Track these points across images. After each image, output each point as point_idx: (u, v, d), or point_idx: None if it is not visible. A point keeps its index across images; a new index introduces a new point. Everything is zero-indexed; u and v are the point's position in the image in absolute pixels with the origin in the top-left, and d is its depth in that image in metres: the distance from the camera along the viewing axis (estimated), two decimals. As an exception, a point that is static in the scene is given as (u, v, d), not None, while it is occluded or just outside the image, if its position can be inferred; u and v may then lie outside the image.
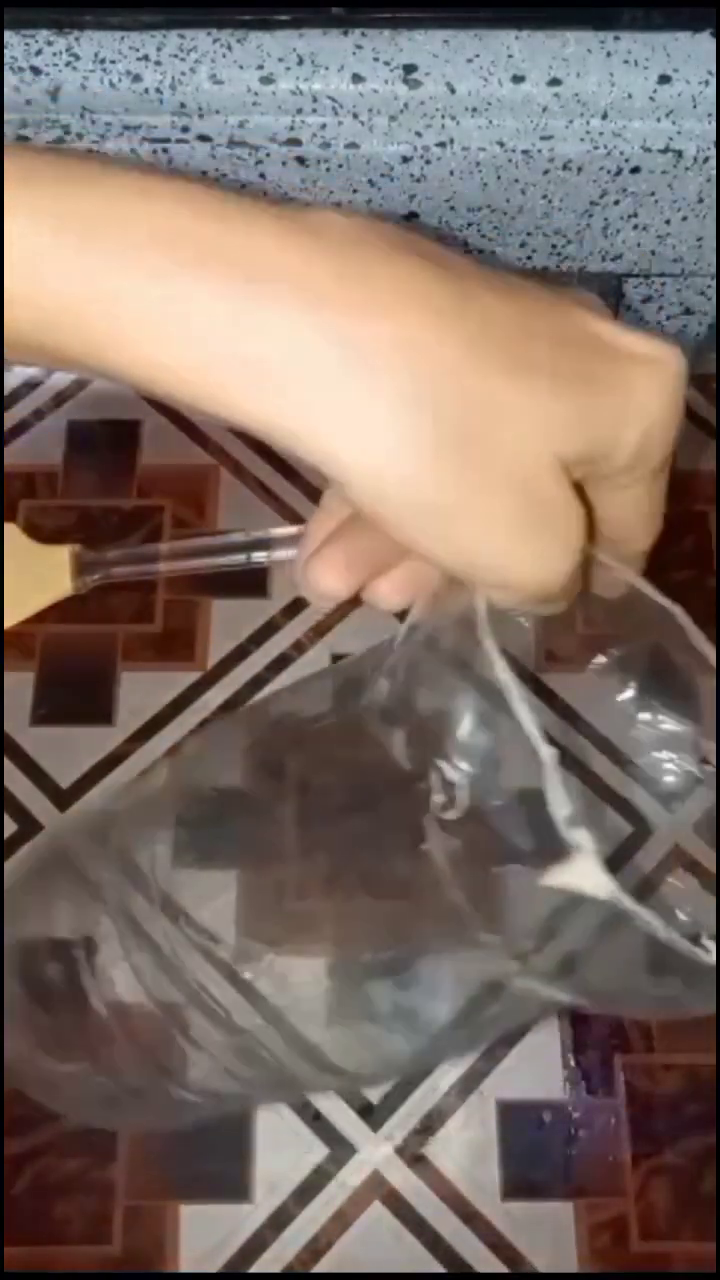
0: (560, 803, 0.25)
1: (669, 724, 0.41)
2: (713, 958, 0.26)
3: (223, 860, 0.43)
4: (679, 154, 0.46)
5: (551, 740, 0.25)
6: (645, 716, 0.40)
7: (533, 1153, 0.47)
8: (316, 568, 0.27)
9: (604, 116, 0.46)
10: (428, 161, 0.46)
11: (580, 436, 0.24)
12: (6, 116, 0.46)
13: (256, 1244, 0.45)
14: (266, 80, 0.45)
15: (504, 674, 0.25)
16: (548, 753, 0.25)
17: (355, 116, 0.45)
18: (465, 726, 0.30)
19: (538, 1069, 0.48)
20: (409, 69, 0.45)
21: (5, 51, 0.44)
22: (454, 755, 0.31)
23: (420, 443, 0.23)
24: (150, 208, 0.23)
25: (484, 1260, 0.45)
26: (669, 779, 0.39)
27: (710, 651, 0.32)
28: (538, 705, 0.38)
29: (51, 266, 0.22)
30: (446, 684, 0.30)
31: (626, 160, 0.46)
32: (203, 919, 0.41)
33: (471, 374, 0.23)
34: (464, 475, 0.23)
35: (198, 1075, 0.42)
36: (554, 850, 0.25)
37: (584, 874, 0.25)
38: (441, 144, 0.46)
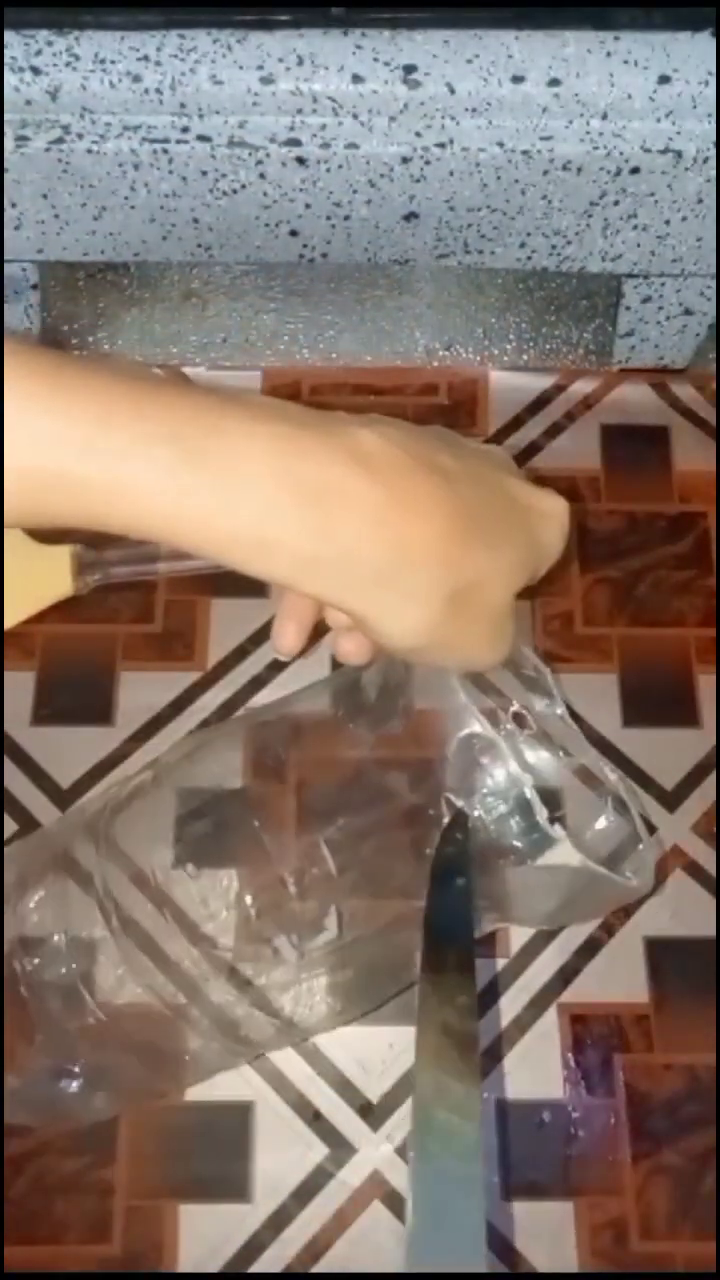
0: (539, 809, 0.38)
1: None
2: (635, 881, 0.41)
3: (223, 860, 0.43)
4: (679, 154, 0.46)
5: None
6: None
7: (533, 1153, 0.47)
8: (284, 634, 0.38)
9: (604, 117, 0.46)
10: (427, 162, 0.46)
11: (523, 579, 0.36)
12: (6, 116, 0.46)
13: (256, 1244, 0.45)
14: (266, 80, 0.45)
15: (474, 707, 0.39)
16: (528, 780, 0.38)
17: (355, 117, 0.46)
18: (452, 758, 0.39)
19: (537, 1069, 0.48)
20: (409, 69, 0.45)
21: (5, 51, 0.44)
22: (452, 783, 0.40)
23: (440, 613, 0.33)
24: (255, 447, 0.30)
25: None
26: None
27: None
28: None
29: (192, 495, 0.29)
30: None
31: (626, 161, 0.46)
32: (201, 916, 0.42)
33: (468, 560, 0.33)
34: (461, 623, 0.34)
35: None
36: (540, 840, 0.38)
37: (564, 854, 0.38)
38: (441, 144, 0.46)
